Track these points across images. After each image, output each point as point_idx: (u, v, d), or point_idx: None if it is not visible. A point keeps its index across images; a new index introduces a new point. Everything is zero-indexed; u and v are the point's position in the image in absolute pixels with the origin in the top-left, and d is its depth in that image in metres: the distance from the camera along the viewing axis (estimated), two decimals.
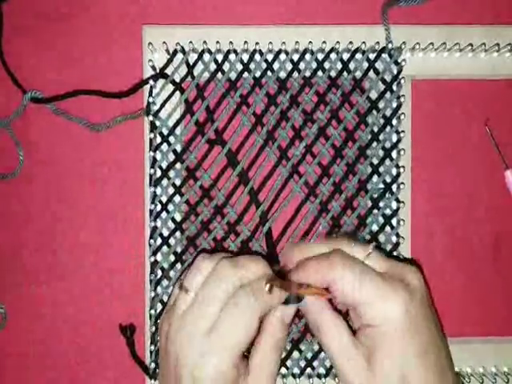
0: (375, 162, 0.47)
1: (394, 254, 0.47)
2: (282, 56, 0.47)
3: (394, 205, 0.47)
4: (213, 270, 0.38)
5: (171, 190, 0.47)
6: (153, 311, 0.46)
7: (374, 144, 0.47)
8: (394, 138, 0.47)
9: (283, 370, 0.47)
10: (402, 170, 0.47)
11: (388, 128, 0.47)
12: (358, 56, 0.47)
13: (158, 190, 0.47)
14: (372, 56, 0.47)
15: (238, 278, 0.38)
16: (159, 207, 0.47)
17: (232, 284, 0.37)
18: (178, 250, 0.47)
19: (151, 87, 0.46)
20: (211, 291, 0.37)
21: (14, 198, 0.50)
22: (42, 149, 0.49)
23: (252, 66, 0.47)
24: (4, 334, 0.49)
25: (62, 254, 0.49)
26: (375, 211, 0.47)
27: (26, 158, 0.49)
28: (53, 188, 0.49)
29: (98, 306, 0.50)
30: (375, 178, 0.47)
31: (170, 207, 0.47)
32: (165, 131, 0.47)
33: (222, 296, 0.37)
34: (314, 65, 0.47)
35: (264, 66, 0.47)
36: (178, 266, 0.47)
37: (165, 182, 0.47)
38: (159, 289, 0.47)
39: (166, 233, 0.47)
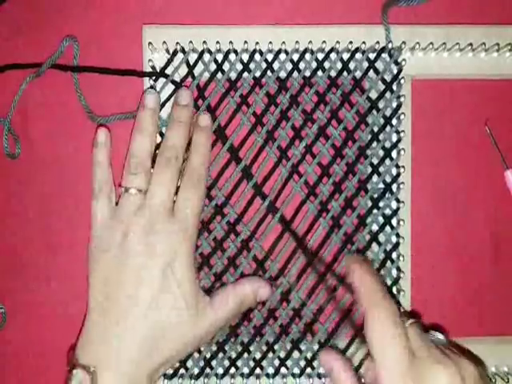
0: (375, 161, 0.47)
1: (394, 254, 0.47)
2: (282, 56, 0.47)
3: (394, 205, 0.47)
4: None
5: None
6: None
7: (374, 144, 0.47)
8: (394, 137, 0.47)
9: (283, 370, 0.47)
10: (402, 169, 0.47)
11: (388, 128, 0.47)
12: (358, 56, 0.47)
13: None
14: (372, 56, 0.47)
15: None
16: None
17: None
18: None
19: (151, 87, 0.46)
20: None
21: (13, 197, 0.50)
22: (41, 148, 0.49)
23: (252, 65, 0.47)
24: (4, 334, 0.49)
25: (62, 254, 0.49)
26: (375, 211, 0.47)
27: (26, 157, 0.49)
28: (53, 188, 0.49)
29: None
30: (375, 178, 0.47)
31: None
32: (165, 131, 0.47)
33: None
34: (314, 64, 0.47)
35: (264, 65, 0.47)
36: None
37: None
38: None
39: None
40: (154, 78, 0.46)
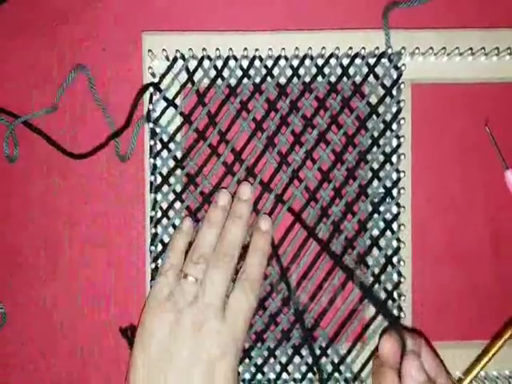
0: (375, 166, 0.47)
1: (395, 259, 0.47)
2: (282, 62, 0.47)
3: (395, 209, 0.47)
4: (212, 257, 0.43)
5: (172, 197, 0.47)
6: None
7: (374, 149, 0.47)
8: (394, 142, 0.47)
9: (284, 376, 0.47)
10: (402, 174, 0.47)
11: (388, 133, 0.47)
12: (358, 61, 0.47)
13: (159, 197, 0.47)
14: (372, 61, 0.47)
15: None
16: (160, 213, 0.47)
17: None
18: None
19: (151, 94, 0.47)
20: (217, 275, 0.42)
21: (13, 198, 0.50)
22: (42, 150, 0.49)
23: (252, 71, 0.47)
24: (4, 334, 0.50)
25: (62, 255, 0.50)
26: (376, 216, 0.47)
27: (26, 158, 0.49)
28: (54, 192, 0.49)
29: (98, 308, 0.50)
30: (375, 183, 0.47)
31: (171, 213, 0.47)
32: (165, 138, 0.47)
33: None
34: (314, 70, 0.47)
35: (264, 71, 0.47)
36: None
37: (165, 188, 0.47)
38: None
39: (166, 239, 0.47)
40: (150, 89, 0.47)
